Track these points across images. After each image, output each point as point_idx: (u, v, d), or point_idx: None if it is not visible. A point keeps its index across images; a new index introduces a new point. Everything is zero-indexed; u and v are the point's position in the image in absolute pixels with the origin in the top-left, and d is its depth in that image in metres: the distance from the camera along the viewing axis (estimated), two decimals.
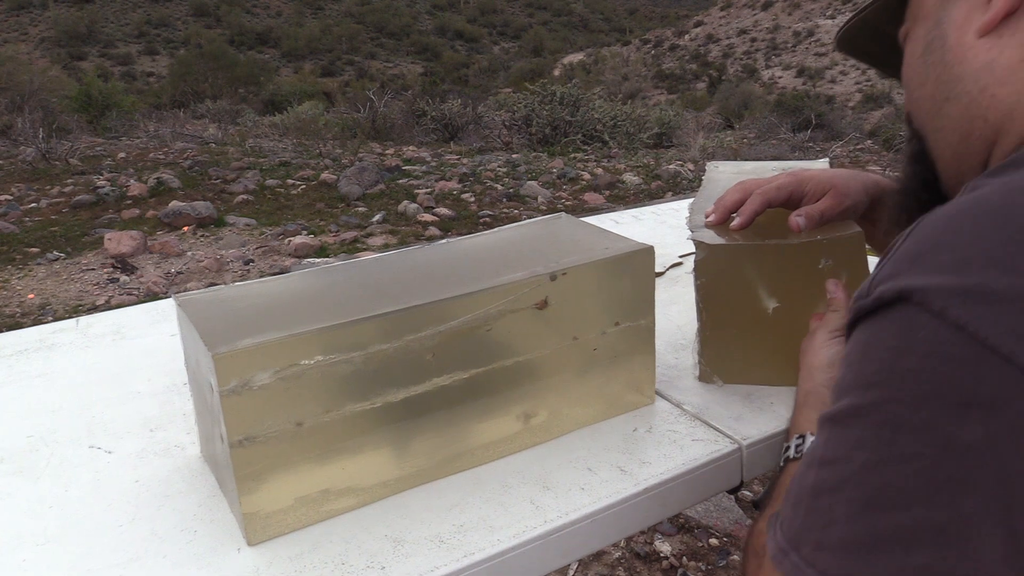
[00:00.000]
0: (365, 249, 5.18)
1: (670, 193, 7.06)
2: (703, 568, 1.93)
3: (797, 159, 1.36)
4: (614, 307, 0.79)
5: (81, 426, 0.84)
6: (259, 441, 0.63)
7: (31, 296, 4.52)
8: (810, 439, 0.66)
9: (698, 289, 0.86)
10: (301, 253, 5.10)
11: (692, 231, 0.87)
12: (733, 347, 0.87)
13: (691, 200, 0.97)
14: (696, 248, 0.84)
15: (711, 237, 0.85)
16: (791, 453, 0.67)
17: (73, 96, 14.39)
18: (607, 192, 6.98)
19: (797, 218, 0.82)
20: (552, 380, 0.77)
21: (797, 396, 0.73)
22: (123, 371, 0.96)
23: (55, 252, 5.29)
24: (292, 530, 0.66)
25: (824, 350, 0.74)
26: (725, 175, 1.09)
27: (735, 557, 1.96)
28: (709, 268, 0.85)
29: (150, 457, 0.78)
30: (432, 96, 12.92)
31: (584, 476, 0.73)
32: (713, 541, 2.02)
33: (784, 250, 0.83)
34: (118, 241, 5.16)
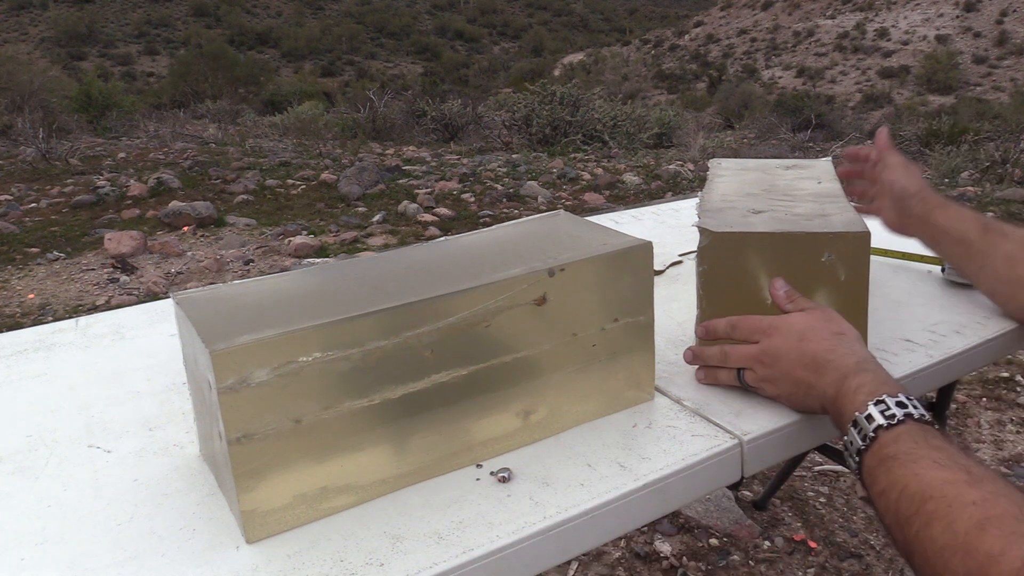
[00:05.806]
0: (365, 249, 5.17)
1: (670, 193, 7.05)
2: (703, 568, 1.93)
3: (797, 159, 1.36)
4: (613, 303, 0.79)
5: (80, 426, 0.84)
6: (257, 439, 0.63)
7: (31, 296, 4.52)
8: (893, 400, 0.66)
9: (700, 276, 0.86)
10: (301, 253, 5.09)
11: (699, 217, 0.87)
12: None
13: (692, 200, 0.97)
14: (700, 234, 0.84)
15: (715, 224, 0.85)
16: (881, 421, 0.65)
17: (73, 96, 14.40)
18: (607, 192, 6.97)
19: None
20: (551, 376, 0.77)
21: (828, 373, 0.74)
22: (122, 371, 0.96)
23: (55, 252, 5.29)
24: (291, 528, 0.66)
25: (828, 323, 0.78)
26: (729, 172, 1.09)
27: (735, 557, 1.96)
28: (712, 255, 0.85)
29: (149, 456, 0.78)
30: (432, 96, 12.93)
31: (583, 472, 0.72)
32: (713, 541, 2.02)
33: (788, 240, 0.83)
34: (118, 241, 5.16)
